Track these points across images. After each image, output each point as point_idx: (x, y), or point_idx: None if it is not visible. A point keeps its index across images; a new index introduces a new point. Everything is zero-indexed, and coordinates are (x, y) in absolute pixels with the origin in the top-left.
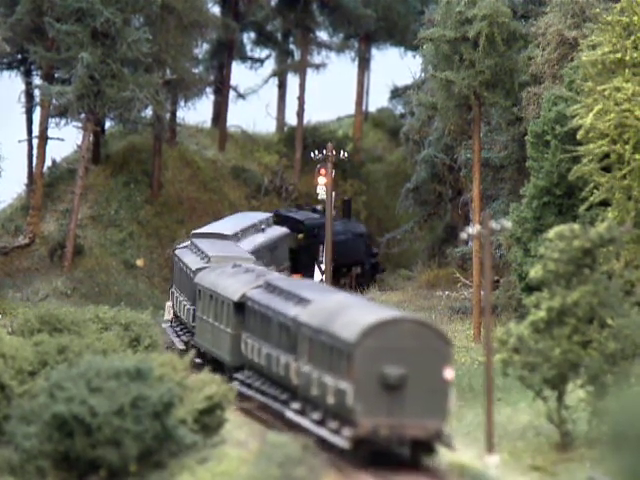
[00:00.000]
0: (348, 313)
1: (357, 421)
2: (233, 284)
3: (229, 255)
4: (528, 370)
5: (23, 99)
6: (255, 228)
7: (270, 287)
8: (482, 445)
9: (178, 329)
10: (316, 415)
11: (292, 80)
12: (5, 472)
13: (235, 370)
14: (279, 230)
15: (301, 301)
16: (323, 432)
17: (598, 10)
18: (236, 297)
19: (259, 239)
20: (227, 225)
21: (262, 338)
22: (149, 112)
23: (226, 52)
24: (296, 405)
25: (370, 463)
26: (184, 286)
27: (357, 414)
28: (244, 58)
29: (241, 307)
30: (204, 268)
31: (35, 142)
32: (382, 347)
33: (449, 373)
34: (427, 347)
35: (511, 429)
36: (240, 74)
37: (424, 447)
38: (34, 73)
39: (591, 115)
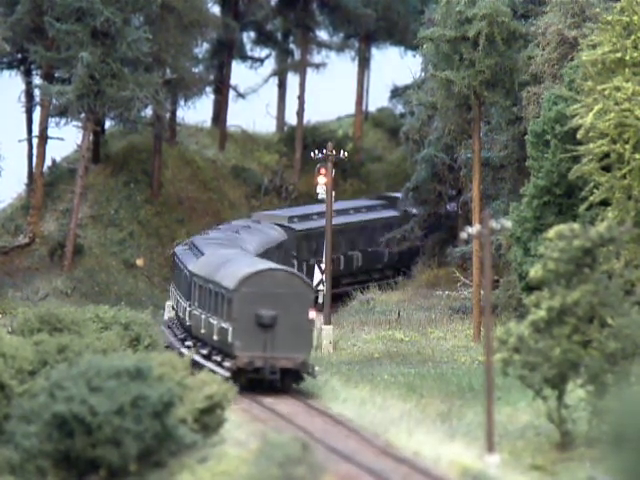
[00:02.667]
0: (230, 265)
1: (236, 354)
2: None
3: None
4: (528, 369)
5: (23, 99)
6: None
7: (191, 245)
8: (482, 444)
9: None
10: (205, 350)
11: (292, 80)
12: (5, 471)
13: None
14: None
15: (198, 256)
16: (209, 364)
17: (598, 10)
18: (171, 252)
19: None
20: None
21: (178, 287)
22: (149, 112)
23: (226, 51)
24: (189, 342)
25: (247, 388)
26: None
27: (236, 349)
28: (244, 57)
29: (172, 261)
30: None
31: (35, 142)
32: (256, 293)
33: (312, 314)
34: (294, 293)
35: (511, 428)
36: (240, 74)
37: (292, 375)
38: (34, 73)
39: (591, 115)
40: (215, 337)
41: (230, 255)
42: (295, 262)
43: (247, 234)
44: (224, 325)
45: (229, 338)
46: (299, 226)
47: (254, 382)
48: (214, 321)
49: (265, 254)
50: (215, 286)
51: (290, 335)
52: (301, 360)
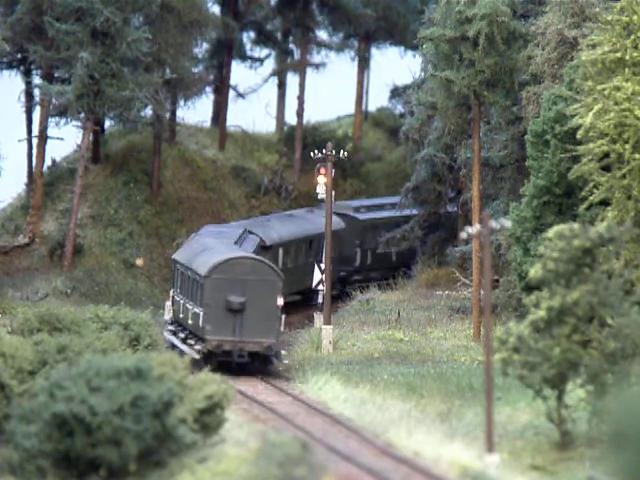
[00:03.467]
0: (206, 253)
1: (206, 338)
2: None
3: None
4: (528, 369)
5: (23, 98)
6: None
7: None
8: (482, 444)
9: None
10: (182, 334)
11: (292, 79)
12: (5, 471)
13: None
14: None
15: (182, 244)
16: (184, 347)
17: (598, 9)
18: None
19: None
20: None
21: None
22: (149, 111)
23: (226, 51)
24: (171, 327)
25: (217, 369)
26: None
27: (206, 332)
28: (244, 57)
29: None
30: None
31: (35, 141)
32: (227, 279)
33: (280, 300)
34: (263, 280)
35: (511, 428)
36: (240, 73)
37: (261, 358)
38: (34, 72)
39: (591, 114)
40: (190, 321)
41: (210, 243)
42: (358, 250)
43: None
44: (197, 310)
45: (200, 322)
46: (363, 216)
47: (225, 365)
48: (189, 306)
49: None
50: (192, 273)
51: (258, 320)
52: (268, 344)
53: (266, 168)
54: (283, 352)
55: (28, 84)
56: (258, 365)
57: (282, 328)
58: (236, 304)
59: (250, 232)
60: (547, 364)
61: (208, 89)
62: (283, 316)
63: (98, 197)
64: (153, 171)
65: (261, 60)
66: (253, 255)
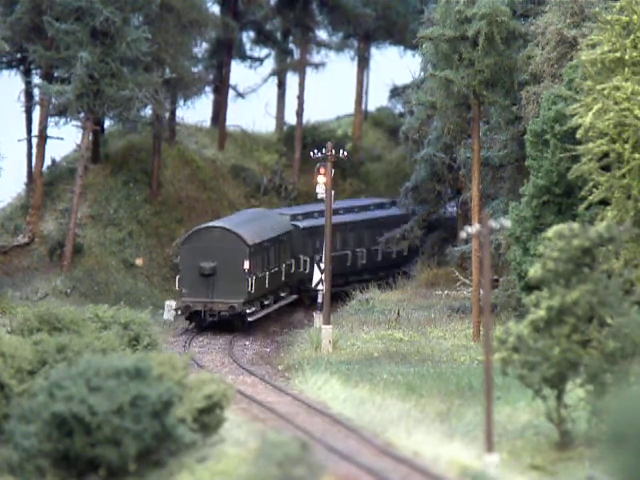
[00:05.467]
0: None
1: (181, 300)
2: None
3: None
4: (527, 369)
5: (22, 98)
6: None
7: None
8: (481, 444)
9: None
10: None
11: (291, 79)
12: (4, 471)
13: None
14: None
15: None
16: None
17: (597, 9)
18: None
19: None
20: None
21: None
22: (148, 111)
23: (225, 51)
24: None
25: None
26: None
27: (182, 295)
28: (243, 57)
29: None
30: None
31: (34, 141)
32: (199, 247)
33: (247, 264)
34: (231, 246)
35: (510, 428)
36: (239, 73)
37: (231, 317)
38: (33, 72)
39: (590, 114)
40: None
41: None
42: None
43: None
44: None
45: (176, 285)
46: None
47: (199, 322)
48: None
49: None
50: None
51: (227, 283)
52: (236, 305)
53: (266, 168)
54: (248, 310)
55: (28, 84)
56: (230, 322)
57: (251, 290)
58: (207, 269)
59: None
60: (547, 364)
61: (208, 89)
62: (251, 279)
63: (98, 197)
64: (153, 171)
65: (261, 60)
66: (222, 224)
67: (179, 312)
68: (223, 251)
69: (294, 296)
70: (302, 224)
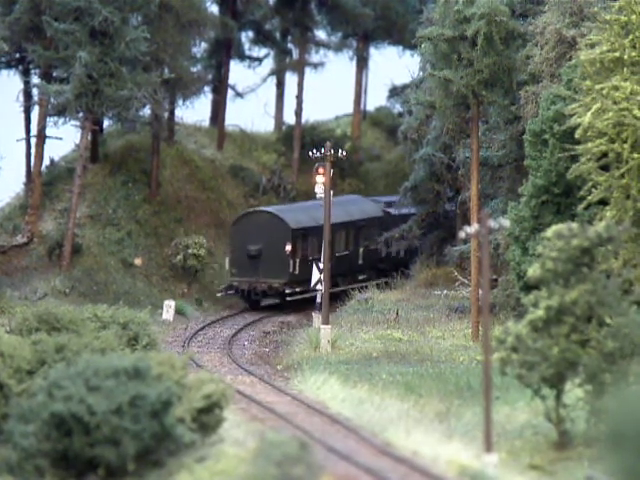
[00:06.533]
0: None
1: (230, 279)
2: None
3: None
4: (526, 369)
5: (21, 98)
6: None
7: None
8: (480, 444)
9: None
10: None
11: (290, 79)
12: (3, 471)
13: None
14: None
15: None
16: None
17: (596, 9)
18: None
19: None
20: None
21: None
22: (147, 111)
23: (224, 51)
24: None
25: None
26: None
27: (231, 275)
28: (242, 57)
29: None
30: None
31: (33, 141)
32: (246, 230)
33: (289, 247)
34: (275, 230)
35: (509, 428)
36: (238, 73)
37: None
38: (32, 72)
39: (589, 114)
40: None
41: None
42: None
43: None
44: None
45: (226, 266)
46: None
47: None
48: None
49: None
50: None
51: (271, 265)
52: (278, 285)
53: (264, 167)
54: (287, 290)
55: (26, 84)
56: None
57: (294, 271)
58: (253, 251)
59: None
60: (545, 363)
61: (207, 88)
62: (294, 261)
63: (97, 197)
64: (152, 170)
65: (260, 59)
66: (267, 208)
67: (224, 292)
68: (268, 234)
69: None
70: (393, 211)
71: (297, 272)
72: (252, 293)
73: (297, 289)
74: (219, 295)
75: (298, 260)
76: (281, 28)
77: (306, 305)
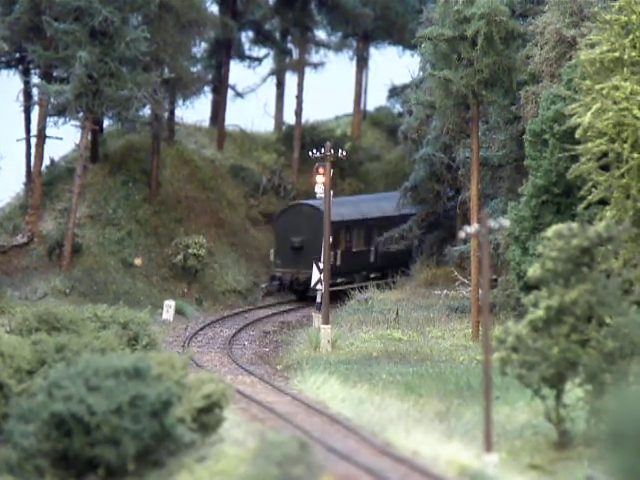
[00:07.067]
0: None
1: (275, 270)
2: None
3: None
4: (526, 369)
5: (21, 98)
6: None
7: None
8: (480, 444)
9: None
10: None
11: (290, 79)
12: (3, 471)
13: None
14: None
15: None
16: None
17: (596, 9)
18: None
19: None
20: None
21: None
22: (147, 111)
23: (224, 51)
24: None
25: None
26: None
27: (275, 266)
28: (242, 57)
29: None
30: None
31: (33, 141)
32: (290, 222)
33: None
34: (316, 223)
35: (509, 428)
36: (238, 73)
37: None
38: (32, 72)
39: (589, 114)
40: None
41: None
42: None
43: None
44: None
45: (271, 257)
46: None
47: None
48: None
49: None
50: None
51: (311, 256)
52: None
53: (265, 167)
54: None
55: (26, 83)
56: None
57: (335, 263)
58: (297, 243)
59: None
60: (546, 363)
61: (207, 88)
62: (335, 253)
63: (97, 197)
64: (152, 170)
65: (259, 59)
66: (308, 202)
67: (268, 283)
68: (309, 227)
69: None
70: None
71: (339, 264)
72: (294, 284)
73: (338, 280)
74: (263, 286)
75: (340, 252)
76: (281, 28)
77: (306, 305)
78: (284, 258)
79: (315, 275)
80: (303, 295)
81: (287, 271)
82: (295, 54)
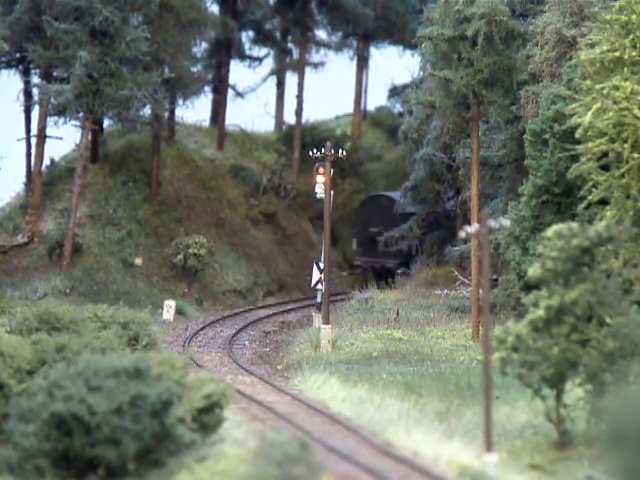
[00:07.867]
0: None
1: (356, 258)
2: None
3: None
4: (527, 369)
5: (21, 98)
6: None
7: None
8: (481, 444)
9: None
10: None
11: (291, 79)
12: (4, 471)
13: None
14: None
15: None
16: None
17: (597, 9)
18: None
19: None
20: None
21: None
22: (147, 111)
23: (225, 51)
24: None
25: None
26: None
27: (356, 254)
28: (243, 57)
29: None
30: None
31: (33, 141)
32: (369, 212)
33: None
34: (390, 213)
35: (510, 428)
36: (239, 73)
37: (387, 273)
38: (32, 72)
39: (589, 114)
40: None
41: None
42: None
43: None
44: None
45: (353, 247)
46: None
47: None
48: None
49: None
50: None
51: (387, 246)
52: (393, 265)
53: (265, 167)
54: (399, 271)
55: (27, 83)
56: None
57: (409, 252)
58: (374, 233)
59: None
60: (546, 363)
61: (207, 88)
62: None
63: (97, 196)
64: (152, 170)
65: (260, 59)
66: (384, 193)
67: (351, 269)
68: (386, 217)
69: None
70: None
71: (412, 254)
72: (373, 271)
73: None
74: (344, 274)
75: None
76: (281, 28)
77: (305, 305)
78: (364, 247)
79: (315, 275)
80: (384, 281)
81: (366, 259)
82: (295, 54)
